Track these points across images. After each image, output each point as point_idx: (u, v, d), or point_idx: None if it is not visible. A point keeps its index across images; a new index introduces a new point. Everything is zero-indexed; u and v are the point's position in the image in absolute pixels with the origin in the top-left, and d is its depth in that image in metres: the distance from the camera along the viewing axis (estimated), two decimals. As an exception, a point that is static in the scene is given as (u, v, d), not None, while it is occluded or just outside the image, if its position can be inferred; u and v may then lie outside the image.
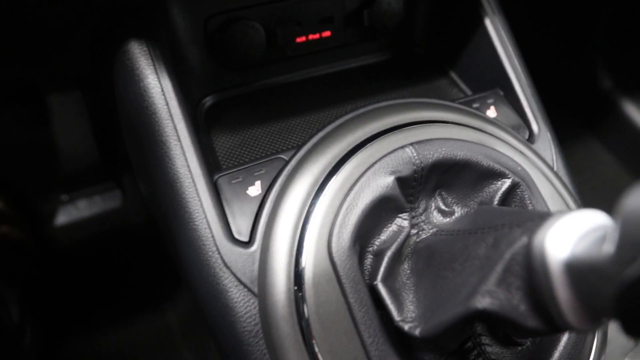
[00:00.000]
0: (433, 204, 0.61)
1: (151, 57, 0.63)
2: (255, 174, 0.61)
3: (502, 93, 0.81)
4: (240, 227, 0.57)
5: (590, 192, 1.80)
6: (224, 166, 0.71)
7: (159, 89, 0.62)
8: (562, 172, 0.75)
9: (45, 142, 1.48)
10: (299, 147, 0.62)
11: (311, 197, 0.56)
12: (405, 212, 0.58)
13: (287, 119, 0.79)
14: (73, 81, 1.09)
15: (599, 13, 1.77)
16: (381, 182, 0.56)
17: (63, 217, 1.45)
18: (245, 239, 0.56)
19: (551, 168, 0.71)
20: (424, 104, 0.70)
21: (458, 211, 0.62)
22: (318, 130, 0.63)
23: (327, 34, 0.83)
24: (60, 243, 1.34)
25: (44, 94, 1.34)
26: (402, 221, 0.58)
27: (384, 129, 0.64)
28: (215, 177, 0.60)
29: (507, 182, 0.61)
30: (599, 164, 1.97)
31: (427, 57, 0.93)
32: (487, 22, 0.81)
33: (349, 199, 0.54)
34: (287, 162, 0.60)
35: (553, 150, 0.76)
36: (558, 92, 1.93)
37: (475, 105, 0.78)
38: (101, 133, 1.19)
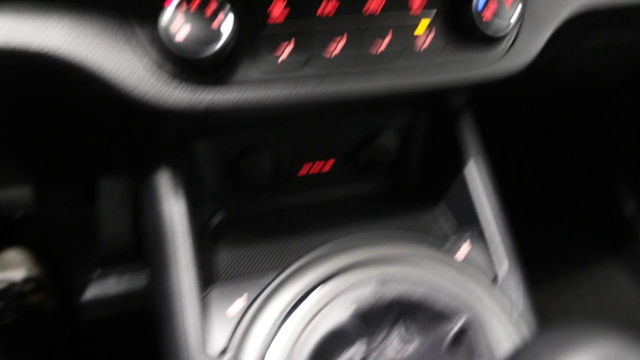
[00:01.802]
0: (395, 332, 0.70)
1: (170, 187, 0.77)
2: (240, 293, 0.72)
3: (477, 232, 0.90)
4: (217, 341, 0.67)
5: (609, 321, 1.79)
6: (221, 278, 0.83)
7: (170, 215, 0.76)
8: (527, 315, 0.82)
9: (89, 220, 1.65)
10: (277, 275, 0.73)
11: (279, 323, 0.66)
12: (362, 343, 0.67)
13: (285, 240, 0.91)
14: (122, 170, 1.25)
15: (621, 138, 1.84)
16: (340, 315, 0.66)
17: (92, 292, 1.59)
18: (218, 353, 0.66)
19: (513, 310, 0.79)
20: (393, 240, 0.80)
21: (418, 341, 0.70)
22: (295, 261, 0.74)
23: (327, 168, 0.96)
24: (86, 317, 1.46)
25: (96, 178, 1.53)
26: (356, 353, 0.67)
27: (352, 262, 0.74)
28: (205, 292, 0.72)
29: (458, 324, 0.69)
30: (620, 292, 1.95)
31: (418, 190, 1.04)
32: (467, 166, 0.92)
33: (308, 328, 0.65)
34: (265, 287, 0.71)
35: (519, 293, 0.84)
36: (581, 215, 1.97)
37: (450, 242, 0.88)
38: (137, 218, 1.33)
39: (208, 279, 0.78)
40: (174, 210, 0.76)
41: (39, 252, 1.64)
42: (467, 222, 0.93)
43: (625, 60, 1.14)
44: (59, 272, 1.66)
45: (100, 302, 1.60)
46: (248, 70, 0.65)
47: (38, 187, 1.57)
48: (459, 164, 0.93)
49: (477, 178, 0.92)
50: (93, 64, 0.60)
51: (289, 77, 0.67)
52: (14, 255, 1.62)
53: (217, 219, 0.92)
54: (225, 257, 0.87)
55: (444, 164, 0.98)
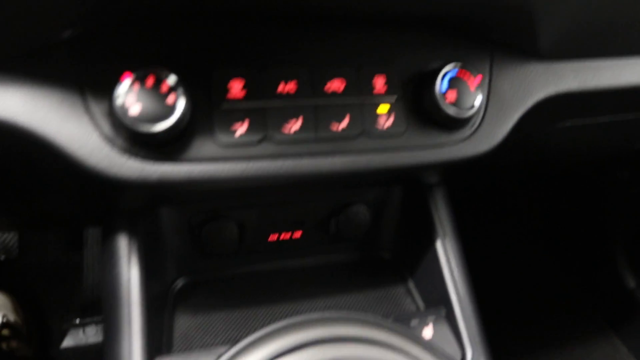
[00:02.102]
0: None
1: (128, 250, 0.77)
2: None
3: (444, 313, 0.87)
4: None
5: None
6: (176, 347, 0.81)
7: (127, 278, 0.75)
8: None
9: (73, 267, 1.64)
10: (227, 350, 0.71)
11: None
12: None
13: (248, 308, 0.89)
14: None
15: (619, 208, 1.81)
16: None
17: (70, 340, 1.56)
18: None
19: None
20: (354, 320, 0.78)
21: None
22: (250, 334, 0.72)
23: (297, 235, 0.95)
24: (62, 365, 1.43)
25: (82, 226, 1.53)
26: None
27: (308, 341, 0.72)
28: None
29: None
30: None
31: (390, 262, 1.02)
32: (438, 244, 0.91)
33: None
34: (211, 363, 0.70)
35: (487, 378, 0.81)
36: (579, 288, 1.93)
37: (415, 321, 0.85)
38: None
39: (159, 347, 0.76)
40: (130, 274, 0.75)
41: (19, 296, 1.63)
42: (437, 299, 0.91)
43: (610, 138, 1.13)
44: (37, 318, 1.64)
45: (77, 352, 1.57)
46: (202, 146, 0.65)
47: (22, 232, 1.58)
48: (431, 239, 0.92)
49: (448, 257, 0.90)
50: (48, 134, 0.61)
51: (244, 154, 0.67)
52: (-6, 298, 1.61)
53: (179, 284, 0.91)
54: (183, 324, 0.86)
55: (417, 238, 0.97)
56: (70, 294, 1.70)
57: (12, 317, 1.58)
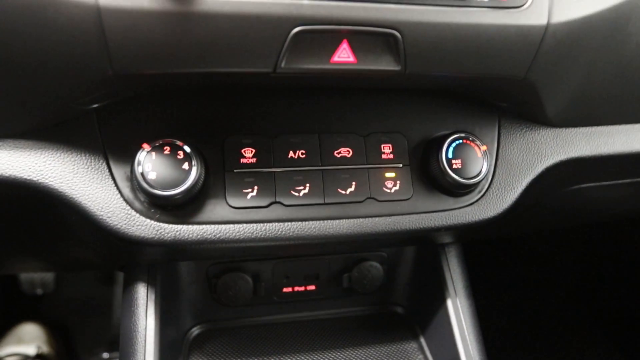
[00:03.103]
0: None
1: (146, 299, 0.81)
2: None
3: (456, 373, 0.88)
4: None
5: None
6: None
7: (143, 326, 0.79)
8: None
9: (104, 303, 1.71)
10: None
11: None
12: None
13: (262, 358, 0.91)
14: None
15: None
16: None
17: (98, 374, 1.61)
18: None
19: None
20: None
21: None
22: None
23: (312, 287, 0.98)
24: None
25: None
26: None
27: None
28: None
29: None
30: None
31: (403, 317, 1.03)
32: (449, 303, 0.92)
33: None
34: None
35: None
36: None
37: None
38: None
39: None
40: (147, 322, 0.79)
41: (53, 328, 1.70)
42: (448, 358, 0.91)
43: (630, 197, 1.12)
44: (69, 350, 1.71)
45: (105, 385, 1.62)
46: (214, 209, 0.70)
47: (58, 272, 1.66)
48: (443, 298, 0.93)
49: (460, 317, 0.91)
50: (74, 195, 0.67)
51: (254, 217, 0.70)
52: (30, 329, 1.68)
53: (195, 332, 0.95)
54: (196, 372, 0.89)
55: (430, 295, 0.98)
56: (100, 329, 1.76)
57: (45, 349, 1.65)
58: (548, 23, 0.65)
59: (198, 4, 0.53)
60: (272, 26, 0.56)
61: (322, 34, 0.58)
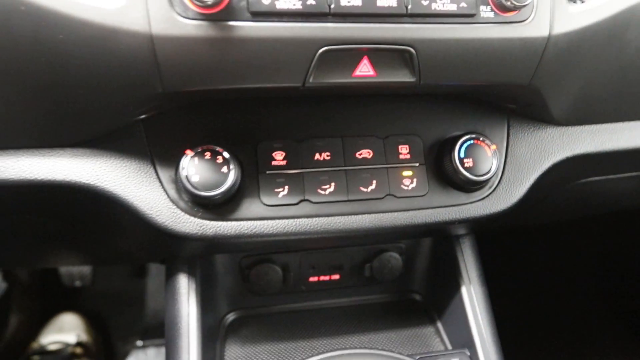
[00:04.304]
0: None
1: (187, 289, 0.90)
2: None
3: (468, 354, 0.95)
4: None
5: None
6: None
7: (186, 313, 0.88)
8: None
9: (137, 295, 1.82)
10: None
11: None
12: None
13: (290, 341, 1.00)
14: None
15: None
16: None
17: (133, 360, 1.72)
18: None
19: None
20: (382, 356, 0.88)
21: None
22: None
23: (336, 277, 1.06)
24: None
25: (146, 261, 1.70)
26: None
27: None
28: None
29: None
30: None
31: (421, 304, 1.11)
32: (464, 290, 0.99)
33: None
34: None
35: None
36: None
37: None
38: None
39: None
40: (189, 309, 0.88)
41: (91, 318, 1.82)
42: (463, 341, 0.99)
43: (636, 189, 1.18)
44: (105, 339, 1.82)
45: (140, 372, 1.72)
46: (250, 207, 0.78)
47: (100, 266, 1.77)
48: (458, 285, 1.00)
49: (474, 303, 0.98)
50: (127, 197, 0.75)
51: (285, 214, 0.79)
52: (69, 319, 1.80)
53: (230, 318, 1.04)
54: (233, 353, 0.98)
55: (446, 283, 1.05)
56: (133, 318, 1.87)
57: (84, 337, 1.76)
58: (550, 34, 0.71)
59: (237, 30, 0.61)
60: (301, 47, 0.64)
61: (345, 52, 0.65)
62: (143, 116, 0.75)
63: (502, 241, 1.65)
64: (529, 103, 0.84)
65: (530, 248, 1.94)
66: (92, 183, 0.74)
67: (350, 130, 0.83)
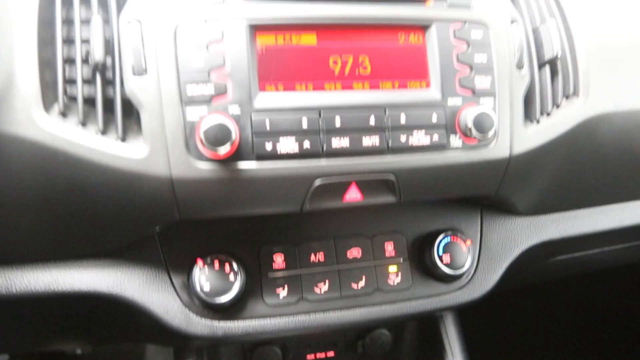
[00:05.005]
0: None
1: None
2: None
3: None
4: None
5: None
6: None
7: None
8: None
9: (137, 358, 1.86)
10: None
11: None
12: None
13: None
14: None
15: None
16: None
17: None
18: None
19: None
20: None
21: None
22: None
23: (331, 354, 1.15)
24: None
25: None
26: None
27: None
28: None
29: None
30: None
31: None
32: (448, 364, 1.09)
33: None
34: None
35: None
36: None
37: None
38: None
39: None
40: None
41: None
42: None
43: (602, 259, 1.29)
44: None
45: None
46: (254, 307, 0.88)
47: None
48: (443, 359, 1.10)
49: None
50: (144, 303, 0.85)
51: (285, 311, 0.88)
52: (71, 387, 1.84)
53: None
54: None
55: (432, 356, 1.15)
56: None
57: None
58: (510, 155, 0.83)
59: (245, 171, 0.72)
60: (299, 181, 0.75)
61: (336, 182, 0.77)
62: (158, 230, 0.85)
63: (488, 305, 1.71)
64: (497, 202, 0.95)
65: (514, 310, 2.00)
66: (113, 292, 0.84)
67: (341, 232, 0.94)
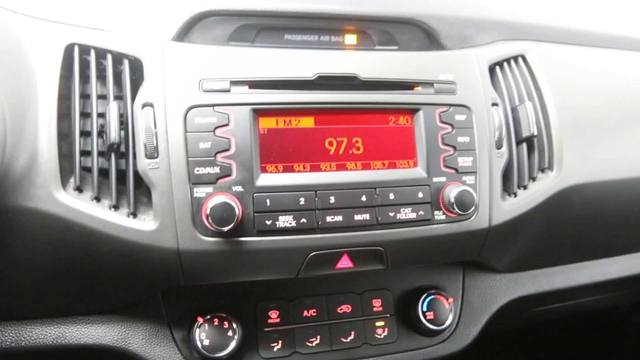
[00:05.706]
0: None
1: None
2: None
3: None
4: None
5: None
6: None
7: None
8: None
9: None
10: None
11: None
12: None
13: None
14: None
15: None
16: None
17: None
18: None
19: None
20: None
21: None
22: None
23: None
24: None
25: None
26: None
27: None
28: None
29: None
30: None
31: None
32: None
33: None
34: None
35: None
36: None
37: None
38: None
39: None
40: None
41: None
42: None
43: (579, 307, 1.37)
44: None
45: None
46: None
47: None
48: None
49: None
50: (147, 356, 0.91)
51: (280, 364, 0.95)
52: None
53: None
54: None
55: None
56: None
57: None
58: (489, 225, 0.91)
59: (246, 244, 0.79)
60: (296, 253, 0.82)
61: (329, 253, 0.84)
62: (160, 290, 0.92)
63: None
64: (478, 263, 1.03)
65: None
66: (118, 345, 0.90)
67: (332, 288, 1.00)
